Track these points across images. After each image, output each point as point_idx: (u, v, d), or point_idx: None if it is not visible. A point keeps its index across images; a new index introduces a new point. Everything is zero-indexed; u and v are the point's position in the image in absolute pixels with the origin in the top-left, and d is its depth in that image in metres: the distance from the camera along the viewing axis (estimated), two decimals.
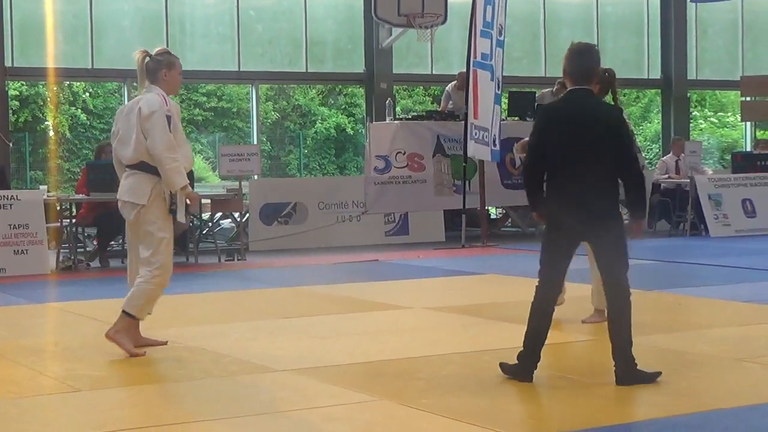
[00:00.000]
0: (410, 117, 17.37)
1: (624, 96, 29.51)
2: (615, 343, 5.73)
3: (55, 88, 23.54)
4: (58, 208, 13.06)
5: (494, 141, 14.56)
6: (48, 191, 14.55)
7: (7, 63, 16.17)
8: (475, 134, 14.49)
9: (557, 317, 6.38)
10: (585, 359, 6.63)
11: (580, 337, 7.29)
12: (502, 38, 14.68)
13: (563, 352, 6.79)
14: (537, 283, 5.89)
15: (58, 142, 25.05)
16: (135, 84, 8.48)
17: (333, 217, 15.06)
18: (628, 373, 5.64)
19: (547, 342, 5.89)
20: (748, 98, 19.07)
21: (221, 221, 15.90)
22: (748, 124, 23.59)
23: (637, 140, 19.09)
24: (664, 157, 17.53)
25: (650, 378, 5.71)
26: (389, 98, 17.28)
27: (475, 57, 14.49)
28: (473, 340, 7.22)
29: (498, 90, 14.62)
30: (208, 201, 14.36)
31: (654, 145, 26.91)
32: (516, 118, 16.70)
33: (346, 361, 6.68)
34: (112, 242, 13.90)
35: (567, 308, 7.75)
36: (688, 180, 16.07)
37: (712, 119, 30.84)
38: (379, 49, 18.51)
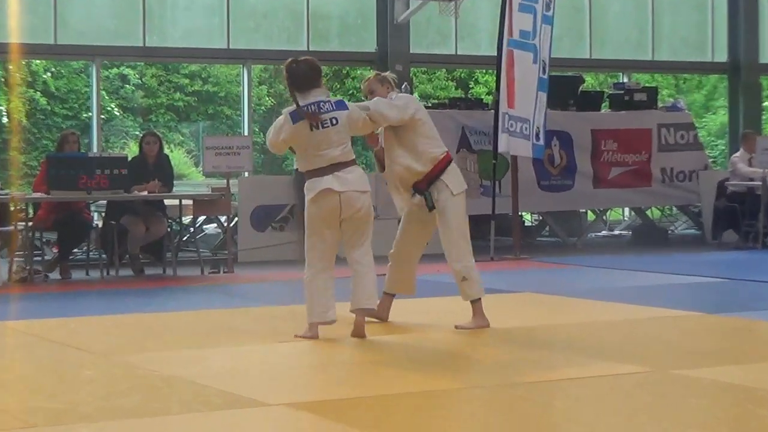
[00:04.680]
0: (430, 105, 17.39)
1: (684, 82, 29.45)
2: None
3: (10, 67, 23.58)
4: (12, 208, 13.08)
5: (537, 134, 14.54)
6: (1, 189, 14.57)
7: None
8: (510, 126, 14.45)
9: None
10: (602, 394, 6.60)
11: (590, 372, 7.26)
12: (550, 13, 14.68)
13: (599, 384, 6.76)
14: None
15: (13, 130, 25.10)
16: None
17: None
18: None
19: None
20: None
21: (204, 226, 15.92)
22: None
23: (699, 135, 19.03)
24: (735, 155, 17.32)
25: None
26: (406, 83, 17.24)
27: (510, 35, 14.48)
28: (503, 371, 7.20)
29: (543, 74, 14.60)
30: (190, 202, 14.38)
31: (720, 141, 26.83)
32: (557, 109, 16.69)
33: (353, 394, 6.67)
34: (75, 250, 13.92)
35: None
36: (760, 183, 16.00)
37: None
38: (394, 25, 18.49)
